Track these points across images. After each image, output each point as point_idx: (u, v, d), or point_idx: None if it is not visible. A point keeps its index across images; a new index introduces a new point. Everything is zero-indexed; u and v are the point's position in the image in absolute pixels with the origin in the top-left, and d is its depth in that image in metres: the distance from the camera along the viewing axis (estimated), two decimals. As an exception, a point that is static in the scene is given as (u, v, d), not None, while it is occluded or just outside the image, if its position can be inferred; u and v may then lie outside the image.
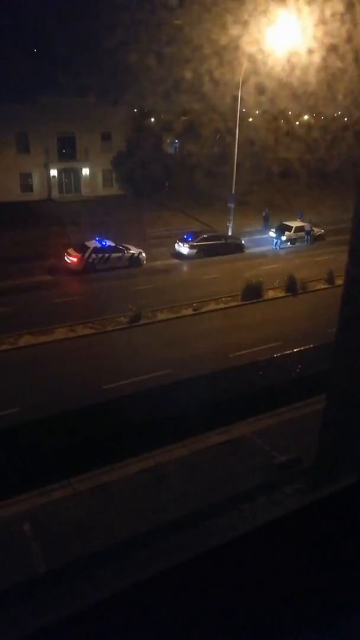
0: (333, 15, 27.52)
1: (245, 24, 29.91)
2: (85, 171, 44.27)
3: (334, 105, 45.00)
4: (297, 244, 31.37)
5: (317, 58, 32.13)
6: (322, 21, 28.04)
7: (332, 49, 31.30)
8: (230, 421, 12.45)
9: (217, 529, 8.18)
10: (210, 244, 28.51)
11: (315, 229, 32.46)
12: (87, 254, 25.15)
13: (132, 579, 1.17)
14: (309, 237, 31.68)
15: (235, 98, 32.32)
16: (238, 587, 1.32)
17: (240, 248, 29.85)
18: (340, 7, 27.14)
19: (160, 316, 19.89)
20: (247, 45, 30.08)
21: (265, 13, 29.89)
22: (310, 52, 31.10)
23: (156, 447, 11.44)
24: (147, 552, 7.83)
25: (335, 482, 1.48)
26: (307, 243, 31.50)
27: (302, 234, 31.71)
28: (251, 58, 30.72)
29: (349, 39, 29.72)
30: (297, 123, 53.91)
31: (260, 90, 38.95)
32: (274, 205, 35.82)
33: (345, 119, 50.11)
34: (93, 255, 25.26)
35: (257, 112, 49.22)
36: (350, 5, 27.00)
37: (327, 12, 27.50)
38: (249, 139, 38.44)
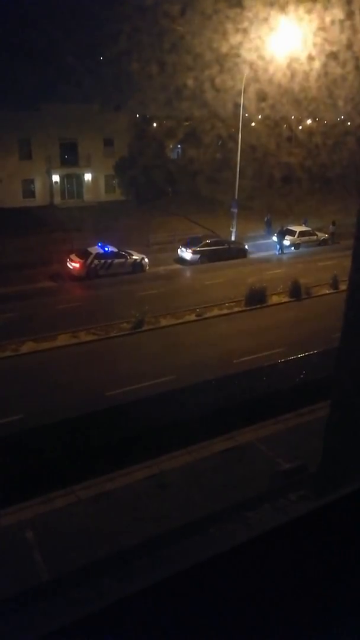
0: (332, 22, 27.71)
1: (247, 31, 30.09)
2: (88, 177, 44.48)
3: (335, 111, 45.21)
4: (300, 248, 31.42)
5: (318, 64, 32.31)
6: (323, 28, 28.20)
7: (333, 55, 31.48)
8: (235, 428, 12.40)
9: (222, 535, 8.13)
10: (213, 249, 28.53)
11: (319, 234, 32.53)
12: (89, 260, 25.18)
13: (135, 587, 1.16)
14: (331, 239, 32.19)
15: (237, 104, 32.50)
16: (242, 594, 1.31)
17: (243, 253, 29.85)
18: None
19: (164, 322, 19.88)
20: (250, 53, 30.27)
21: (267, 20, 30.05)
22: (312, 58, 31.28)
23: (160, 454, 11.39)
24: (151, 559, 7.77)
25: (340, 488, 1.47)
26: (330, 244, 32.00)
27: (306, 238, 31.80)
28: (253, 65, 30.91)
29: (350, 46, 29.89)
30: (301, 127, 54.11)
31: (262, 96, 39.18)
32: (277, 210, 35.89)
33: (349, 123, 50.30)
34: (96, 261, 25.29)
35: (259, 117, 49.46)
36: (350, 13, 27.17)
37: (328, 19, 27.68)
38: (251, 144, 38.60)
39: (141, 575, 1.20)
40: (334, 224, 32.25)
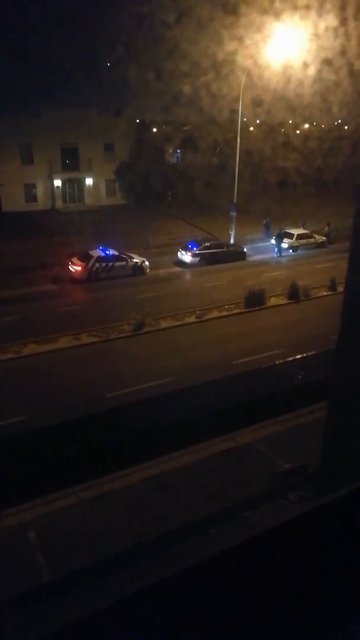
0: (327, 30, 27.87)
1: (243, 38, 30.25)
2: (89, 181, 44.51)
3: (332, 115, 45.35)
4: (299, 251, 31.44)
5: (313, 70, 32.46)
6: (318, 35, 28.35)
7: (328, 61, 31.66)
8: (235, 428, 12.44)
9: (222, 536, 8.16)
10: (212, 252, 28.57)
11: (317, 236, 32.56)
12: (90, 263, 25.25)
13: (136, 587, 1.18)
14: (327, 241, 32.27)
15: (234, 110, 32.61)
16: (242, 594, 1.33)
17: (242, 256, 29.90)
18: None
19: (164, 324, 19.91)
20: (246, 59, 30.40)
21: (263, 28, 30.19)
22: (307, 64, 31.42)
23: (160, 455, 11.42)
24: (152, 559, 7.80)
25: (339, 488, 1.49)
26: (327, 245, 32.09)
27: (304, 241, 31.82)
28: (250, 72, 31.01)
29: (344, 52, 30.05)
30: (298, 132, 54.15)
31: (259, 102, 39.32)
32: (274, 213, 35.88)
33: (346, 127, 50.38)
34: (97, 264, 25.36)
35: (257, 121, 49.58)
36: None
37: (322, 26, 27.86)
38: (249, 149, 38.62)
39: (141, 576, 1.22)
40: (328, 225, 32.39)
